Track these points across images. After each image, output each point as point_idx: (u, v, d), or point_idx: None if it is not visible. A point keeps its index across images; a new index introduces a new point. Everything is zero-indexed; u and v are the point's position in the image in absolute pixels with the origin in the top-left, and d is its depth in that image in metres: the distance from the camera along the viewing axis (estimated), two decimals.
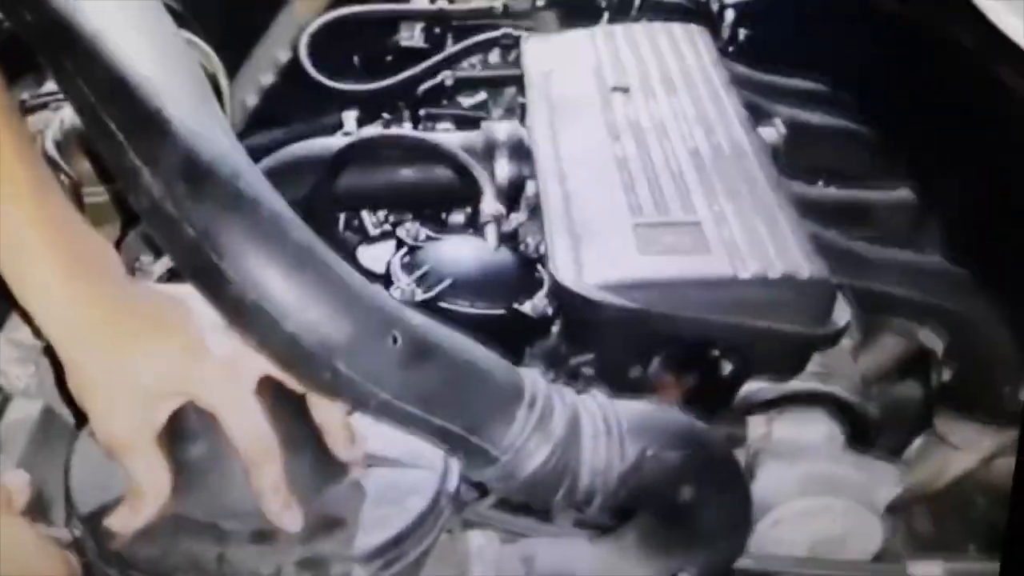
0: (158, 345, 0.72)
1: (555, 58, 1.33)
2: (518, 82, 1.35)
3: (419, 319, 0.72)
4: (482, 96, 1.48)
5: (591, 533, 0.91)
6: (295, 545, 0.75)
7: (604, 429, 0.78)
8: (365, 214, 1.27)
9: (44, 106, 1.20)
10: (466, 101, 1.48)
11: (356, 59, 1.60)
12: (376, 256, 1.10)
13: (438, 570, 0.83)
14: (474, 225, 1.12)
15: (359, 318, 0.69)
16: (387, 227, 1.21)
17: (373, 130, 1.26)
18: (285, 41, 1.58)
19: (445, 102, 1.45)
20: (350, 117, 1.37)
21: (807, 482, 1.01)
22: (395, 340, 0.69)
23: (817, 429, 1.03)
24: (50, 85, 1.22)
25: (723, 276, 0.96)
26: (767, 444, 1.02)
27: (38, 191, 0.71)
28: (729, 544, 0.88)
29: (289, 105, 1.53)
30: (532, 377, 0.78)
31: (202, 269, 0.66)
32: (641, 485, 0.79)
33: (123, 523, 0.75)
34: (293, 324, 0.66)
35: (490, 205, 1.07)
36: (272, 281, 0.66)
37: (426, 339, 0.72)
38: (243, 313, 0.67)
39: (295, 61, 1.53)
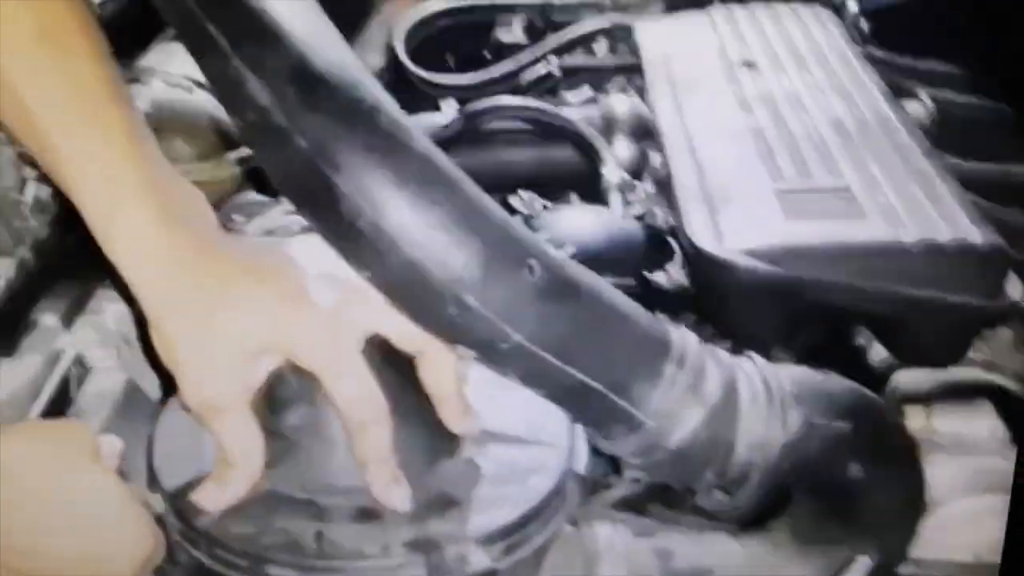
0: (254, 292, 0.64)
1: (673, 40, 1.25)
2: (629, 72, 1.27)
3: (557, 252, 0.64)
4: (588, 93, 1.40)
5: (731, 529, 0.80)
6: (403, 524, 0.67)
7: (765, 394, 0.68)
8: None
9: (134, 80, 1.15)
10: (571, 97, 1.40)
11: (451, 60, 1.53)
12: None
13: (563, 562, 0.73)
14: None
15: (491, 244, 0.60)
16: None
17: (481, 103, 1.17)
18: (377, 47, 1.52)
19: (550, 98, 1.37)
20: (450, 107, 1.30)
21: (975, 479, 0.89)
22: (532, 270, 0.60)
23: (983, 422, 0.92)
24: (143, 61, 1.17)
25: (884, 242, 0.86)
26: (928, 436, 0.90)
27: (133, 131, 0.65)
28: (898, 538, 0.77)
29: None
30: (681, 331, 0.68)
31: (313, 186, 0.59)
32: (804, 460, 0.69)
33: (212, 498, 0.67)
34: (415, 248, 0.58)
35: (613, 172, 0.98)
36: (392, 199, 0.58)
37: (565, 274, 0.63)
38: (358, 237, 0.59)
39: (390, 64, 1.46)
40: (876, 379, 0.91)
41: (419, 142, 0.61)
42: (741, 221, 0.89)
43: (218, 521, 0.67)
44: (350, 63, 0.62)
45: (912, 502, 0.76)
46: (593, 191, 1.06)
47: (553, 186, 1.12)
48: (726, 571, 0.76)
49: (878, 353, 0.92)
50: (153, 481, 0.71)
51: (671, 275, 0.91)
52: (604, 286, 0.65)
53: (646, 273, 0.92)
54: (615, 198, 0.99)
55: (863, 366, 0.93)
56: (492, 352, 0.62)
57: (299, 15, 0.63)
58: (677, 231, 0.93)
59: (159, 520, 0.68)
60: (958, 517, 0.88)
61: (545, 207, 1.00)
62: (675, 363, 0.65)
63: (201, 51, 0.62)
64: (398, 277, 0.60)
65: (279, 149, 0.59)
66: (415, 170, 0.59)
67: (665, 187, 0.99)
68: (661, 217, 0.98)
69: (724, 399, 0.66)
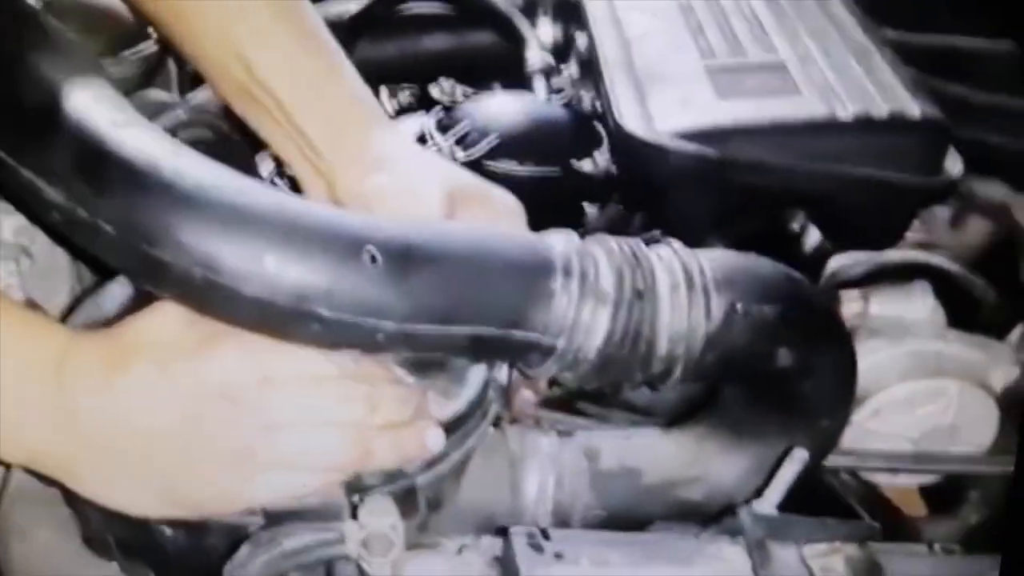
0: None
1: None
2: None
3: (393, 225, 0.61)
4: None
5: (661, 424, 0.77)
6: None
7: (685, 280, 0.63)
8: (383, 95, 1.12)
9: None
10: None
11: None
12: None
13: (486, 466, 0.70)
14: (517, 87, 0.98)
15: (321, 250, 0.58)
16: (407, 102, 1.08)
17: None
18: None
19: None
20: None
21: (913, 362, 0.87)
22: (373, 258, 0.57)
23: (920, 304, 0.89)
24: None
25: (819, 118, 0.82)
26: (864, 321, 0.88)
27: None
28: (831, 426, 0.74)
29: None
30: (559, 238, 0.64)
31: (140, 265, 0.58)
32: (730, 348, 0.65)
33: None
34: (253, 285, 0.57)
35: (536, 55, 0.93)
36: (215, 251, 0.57)
37: (409, 244, 0.60)
38: (197, 292, 0.58)
39: None
40: (812, 266, 0.89)
41: (222, 184, 0.59)
42: (671, 102, 0.85)
43: None
44: (134, 135, 0.60)
45: (843, 389, 0.72)
46: (516, 76, 1.01)
47: (474, 72, 1.07)
48: (656, 470, 0.73)
49: (813, 239, 0.90)
50: None
51: (598, 162, 0.87)
52: (458, 231, 0.63)
53: (572, 161, 0.87)
54: (539, 83, 0.94)
55: (798, 253, 0.90)
56: (373, 345, 0.59)
57: (76, 103, 0.61)
58: (604, 115, 0.89)
59: None
60: (894, 404, 0.86)
61: (466, 95, 0.95)
62: (561, 274, 0.61)
63: None
64: (250, 314, 0.58)
65: (94, 240, 0.59)
66: (226, 212, 0.58)
67: (591, 69, 0.94)
68: (587, 101, 0.93)
69: (628, 290, 0.62)
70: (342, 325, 0.57)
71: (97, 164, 0.58)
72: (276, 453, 0.59)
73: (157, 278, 0.58)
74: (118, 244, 0.58)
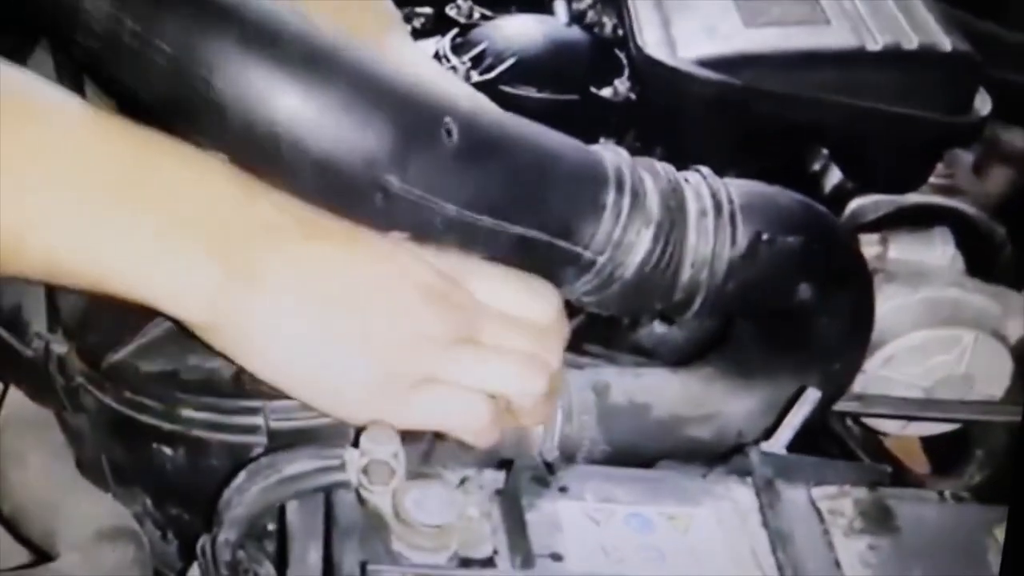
0: None
1: None
2: None
3: (468, 103, 0.57)
4: None
5: (668, 364, 0.76)
6: None
7: (713, 207, 0.62)
8: None
9: None
10: None
11: None
12: None
13: None
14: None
15: (399, 112, 0.54)
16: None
17: None
18: None
19: None
20: None
21: (929, 310, 0.85)
22: (449, 133, 0.54)
23: (939, 250, 0.87)
24: None
25: (847, 48, 0.80)
26: (882, 265, 0.86)
27: None
28: (844, 369, 0.72)
29: None
30: (611, 151, 0.62)
31: (191, 100, 0.51)
32: (752, 278, 0.64)
33: None
34: (321, 142, 0.52)
35: None
36: (283, 94, 0.51)
37: (486, 125, 0.57)
38: (257, 144, 0.52)
39: None
40: (832, 206, 0.86)
41: (297, 25, 0.53)
42: (695, 28, 0.83)
43: (127, 360, 0.61)
44: None
45: (860, 329, 0.71)
46: None
47: None
48: (665, 407, 0.72)
49: (833, 179, 0.88)
50: (54, 314, 0.64)
51: (618, 90, 0.84)
52: (527, 126, 0.60)
53: (592, 88, 0.85)
54: (560, 6, 0.91)
55: (818, 193, 0.88)
56: (429, 229, 0.57)
57: None
58: (626, 40, 0.87)
59: (60, 361, 0.63)
60: (908, 351, 0.85)
61: (484, 16, 0.92)
62: (614, 189, 0.59)
63: None
64: (312, 177, 0.54)
65: (141, 65, 0.51)
66: (299, 57, 0.52)
67: None
68: (609, 26, 0.91)
69: (668, 213, 0.61)
70: (407, 200, 0.54)
71: None
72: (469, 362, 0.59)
73: (208, 117, 0.52)
74: (170, 71, 0.51)
